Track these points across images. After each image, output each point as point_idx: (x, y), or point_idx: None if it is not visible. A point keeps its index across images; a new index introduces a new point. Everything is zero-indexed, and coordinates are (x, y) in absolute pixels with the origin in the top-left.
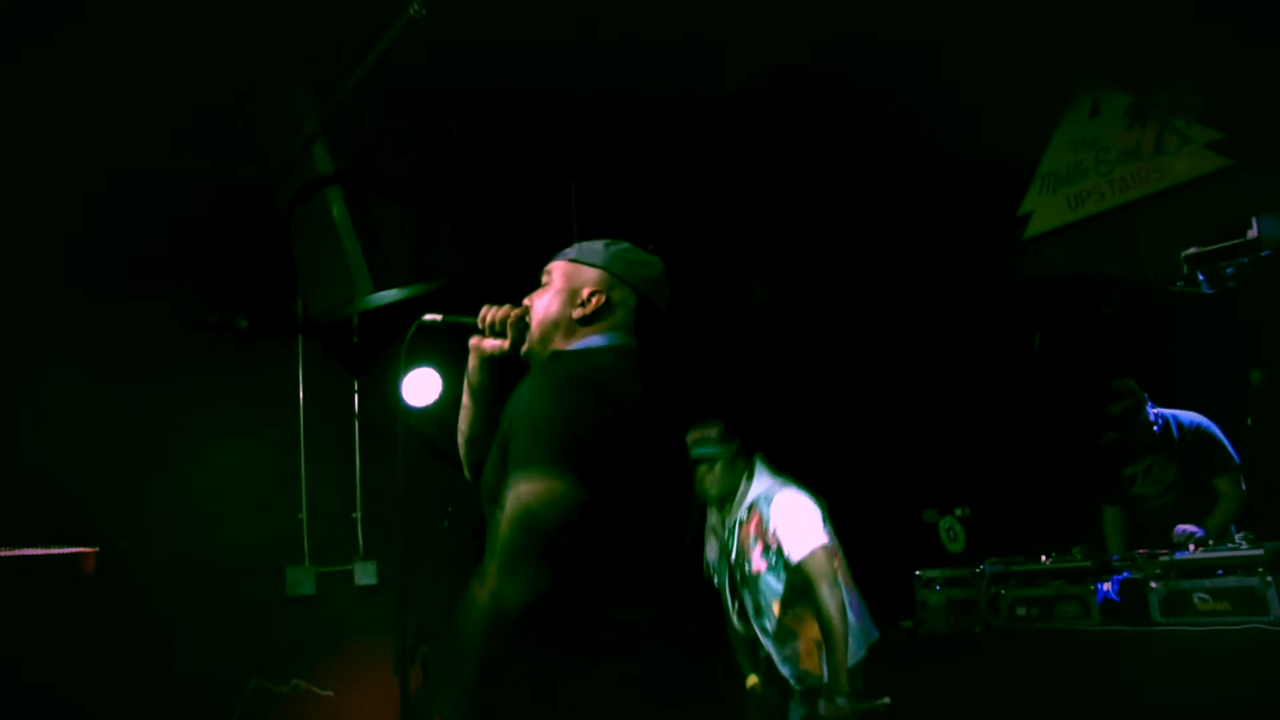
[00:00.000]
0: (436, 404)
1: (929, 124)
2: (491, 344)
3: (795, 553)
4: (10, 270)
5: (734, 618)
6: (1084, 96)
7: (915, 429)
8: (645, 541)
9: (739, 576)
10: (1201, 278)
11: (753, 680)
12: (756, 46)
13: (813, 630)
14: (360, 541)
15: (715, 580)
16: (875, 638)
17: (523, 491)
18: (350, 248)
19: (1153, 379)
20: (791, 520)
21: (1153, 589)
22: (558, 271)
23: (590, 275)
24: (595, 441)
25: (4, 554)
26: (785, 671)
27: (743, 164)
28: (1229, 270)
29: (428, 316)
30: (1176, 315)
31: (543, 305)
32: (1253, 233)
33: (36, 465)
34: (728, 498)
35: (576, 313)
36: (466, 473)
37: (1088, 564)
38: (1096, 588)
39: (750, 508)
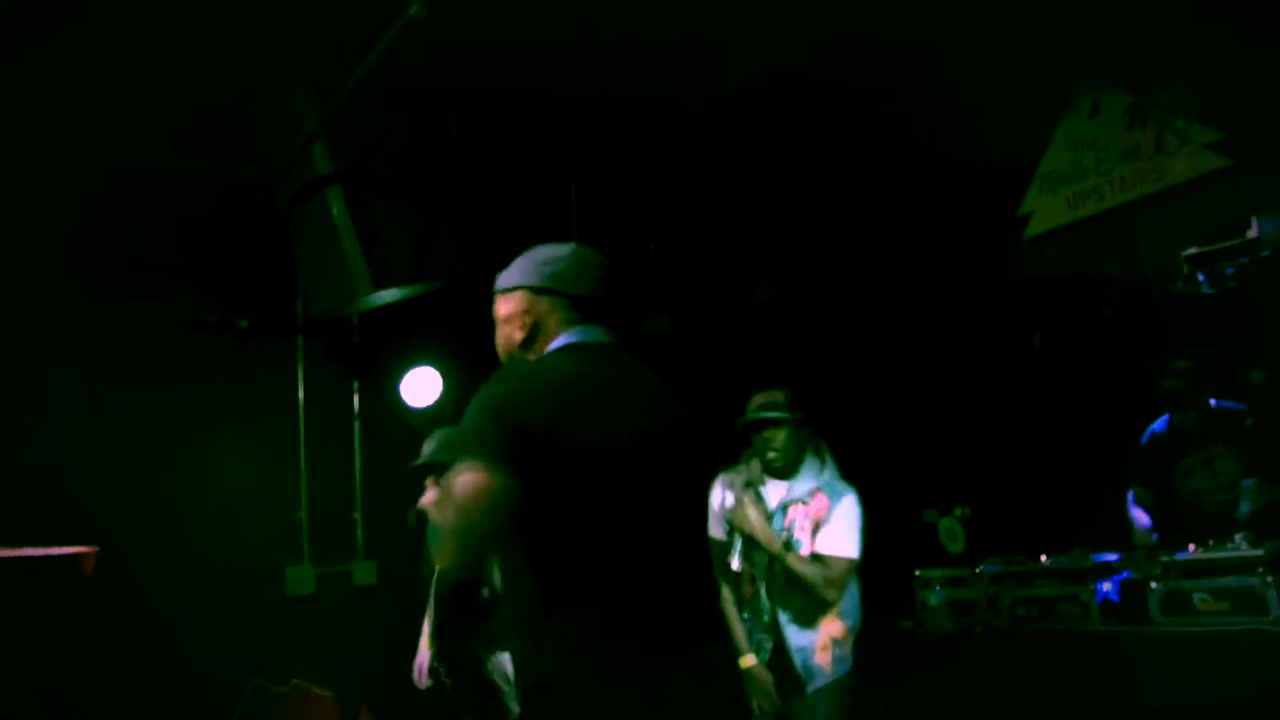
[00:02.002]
0: (437, 404)
1: (929, 124)
2: None
3: (827, 548)
4: (10, 270)
5: (748, 591)
6: (1084, 96)
7: (915, 429)
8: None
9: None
10: (1201, 278)
11: (749, 661)
12: (756, 46)
13: (833, 626)
14: (360, 541)
15: (727, 544)
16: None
17: (454, 472)
18: (350, 248)
19: (1153, 379)
20: (847, 525)
21: (1153, 589)
22: (496, 307)
23: (514, 299)
24: (504, 430)
25: (4, 554)
26: (797, 660)
27: (743, 164)
28: (1229, 270)
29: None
30: (1176, 315)
31: (499, 341)
32: (1253, 233)
33: (36, 465)
34: (789, 470)
35: (517, 336)
36: None
37: (1088, 564)
38: (1096, 588)
39: (814, 492)
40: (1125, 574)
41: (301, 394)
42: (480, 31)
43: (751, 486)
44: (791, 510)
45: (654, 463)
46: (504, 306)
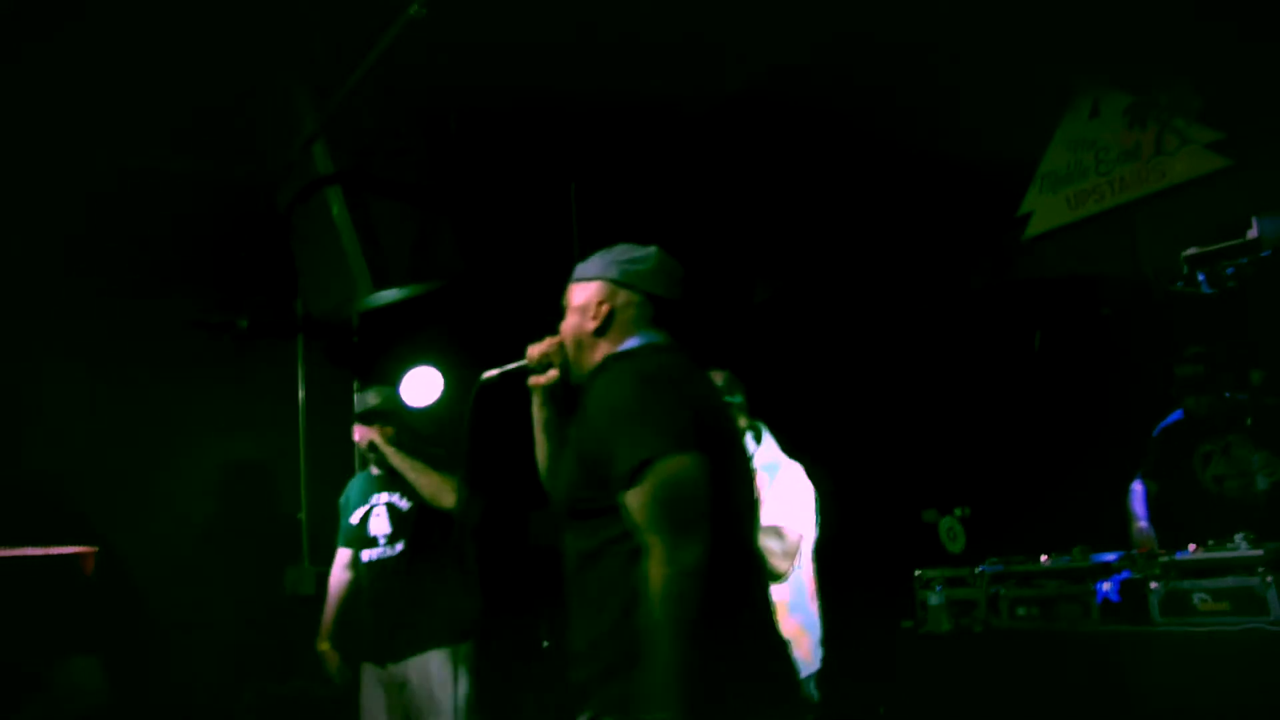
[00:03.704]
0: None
1: (929, 124)
2: (545, 377)
3: (774, 519)
4: (11, 270)
5: None
6: (1084, 96)
7: (915, 429)
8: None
9: None
10: (1201, 278)
11: None
12: (756, 46)
13: (782, 625)
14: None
15: None
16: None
17: (658, 470)
18: (350, 248)
19: (1153, 379)
20: (791, 496)
21: (1153, 589)
22: (570, 294)
23: (592, 288)
24: (685, 419)
25: (4, 554)
26: None
27: (743, 164)
28: (1229, 270)
29: (486, 374)
30: (1176, 315)
31: (567, 329)
32: (1253, 233)
33: (36, 465)
34: None
35: (589, 325)
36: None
37: (1087, 564)
38: (1096, 588)
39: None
40: (1125, 574)
41: (301, 394)
42: (480, 31)
43: None
44: None
45: (744, 465)
46: (579, 295)
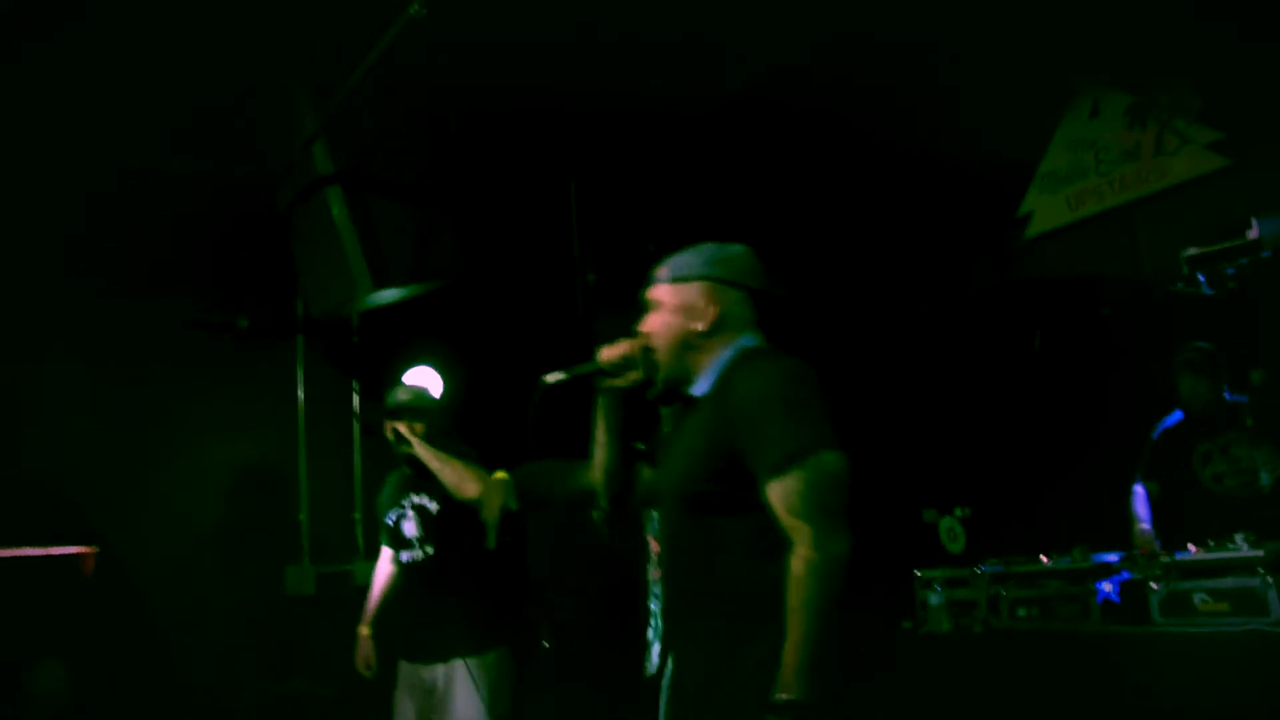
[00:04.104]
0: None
1: (929, 124)
2: (628, 379)
3: None
4: (11, 270)
5: (655, 574)
6: (1084, 96)
7: (915, 429)
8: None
9: None
10: (1201, 278)
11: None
12: (756, 46)
13: None
14: (360, 541)
15: (652, 533)
16: None
17: (814, 462)
18: (350, 248)
19: (1153, 379)
20: None
21: (1153, 589)
22: (661, 294)
23: (696, 289)
24: (828, 419)
25: (4, 554)
26: None
27: (743, 164)
28: (1229, 270)
29: (550, 377)
30: (1176, 315)
31: (661, 330)
32: (1253, 233)
33: (36, 465)
34: None
35: (698, 326)
36: (603, 502)
37: (1088, 564)
38: (1096, 588)
39: None
40: (1125, 574)
41: (301, 394)
42: (480, 31)
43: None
44: None
45: None
46: (679, 295)
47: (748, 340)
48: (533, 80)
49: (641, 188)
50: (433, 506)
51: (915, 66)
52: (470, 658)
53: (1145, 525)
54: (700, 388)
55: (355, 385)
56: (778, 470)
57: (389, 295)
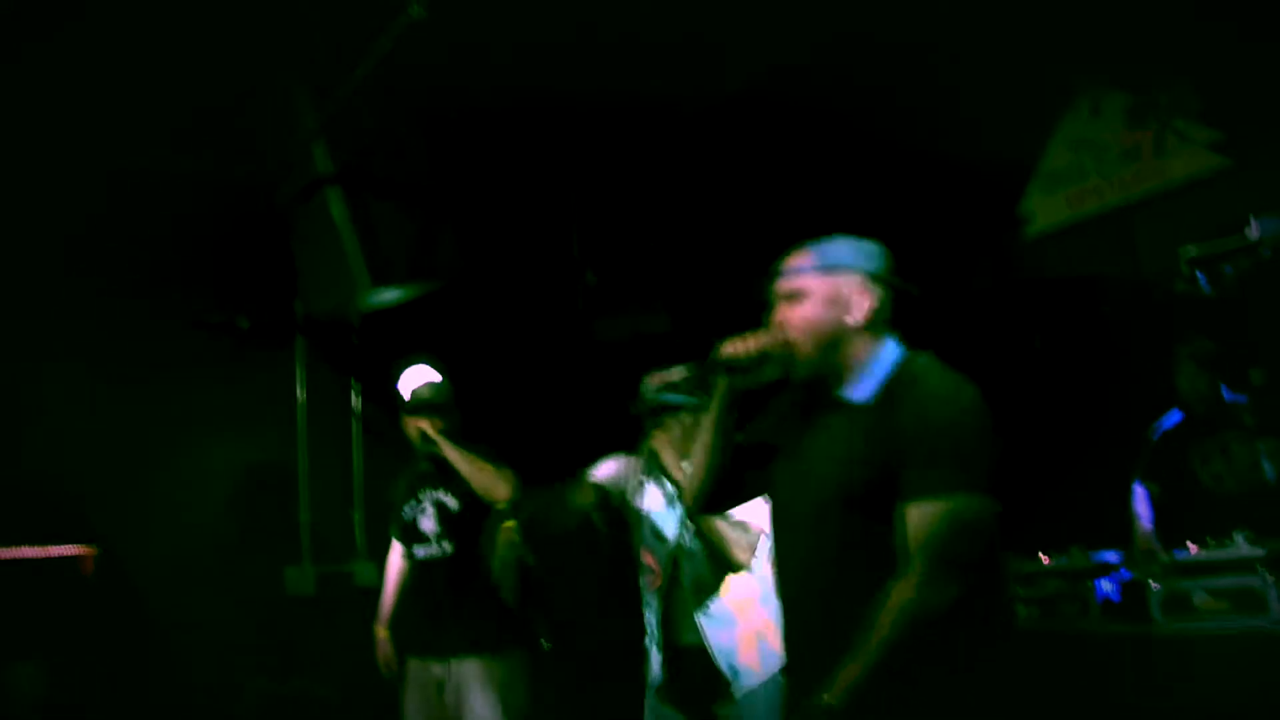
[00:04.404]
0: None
1: (929, 124)
2: (759, 375)
3: (740, 515)
4: (11, 270)
5: (653, 582)
6: (1084, 96)
7: None
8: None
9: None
10: (1201, 278)
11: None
12: (756, 46)
13: (756, 617)
14: (360, 541)
15: (643, 545)
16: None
17: (960, 501)
18: (350, 248)
19: (1153, 379)
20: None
21: (1153, 589)
22: (806, 284)
23: (848, 280)
24: (991, 460)
25: (4, 554)
26: (722, 663)
27: (743, 163)
28: (1229, 270)
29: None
30: (1176, 315)
31: (808, 321)
32: (1253, 233)
33: (36, 465)
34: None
35: (851, 319)
36: (690, 502)
37: (1088, 564)
38: (1096, 587)
39: None
40: (1125, 574)
41: (301, 394)
42: (480, 31)
43: (661, 489)
44: None
45: None
46: (830, 286)
47: (894, 343)
48: (533, 80)
49: (642, 188)
50: (453, 504)
51: (915, 66)
52: (486, 656)
53: (1146, 525)
54: (859, 391)
55: (355, 385)
56: (917, 493)
57: (389, 295)
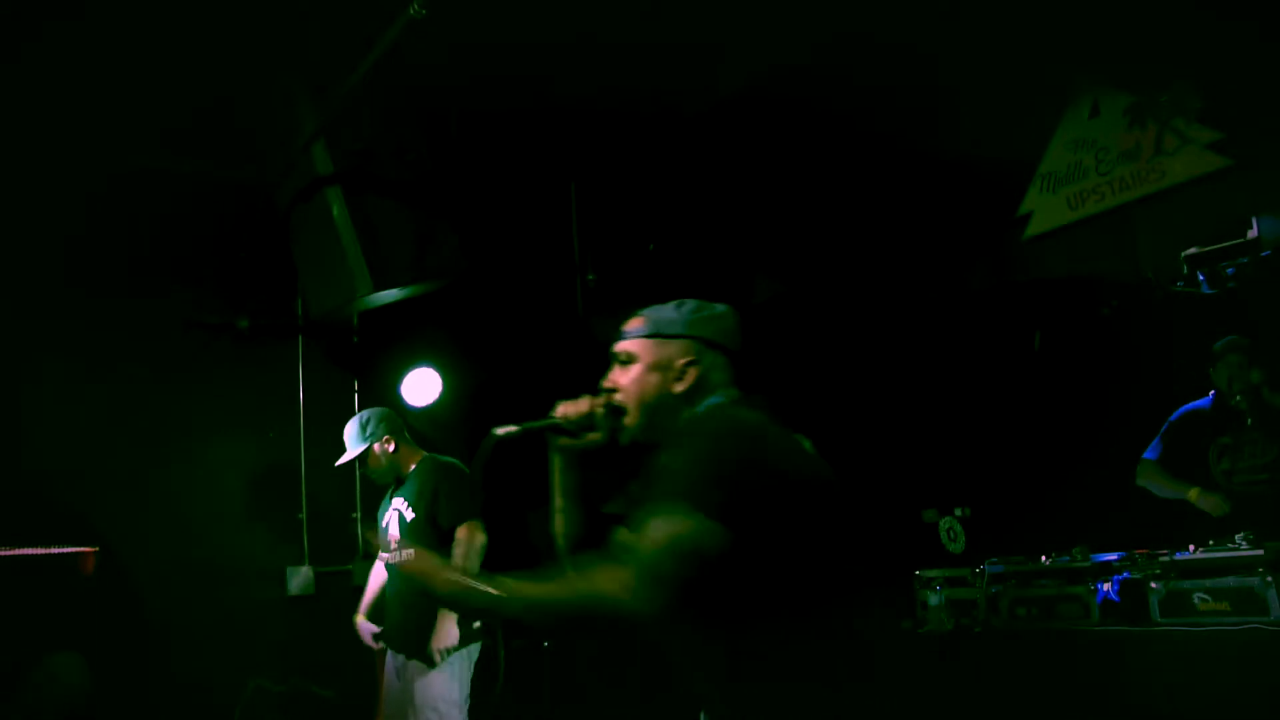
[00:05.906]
0: (435, 404)
1: (929, 124)
2: (586, 439)
3: None
4: (10, 270)
5: None
6: (1084, 96)
7: (915, 429)
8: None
9: None
10: (1201, 278)
11: None
12: (756, 46)
13: None
14: (360, 541)
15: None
16: None
17: (671, 523)
18: (350, 248)
19: (1153, 379)
20: None
21: (1153, 589)
22: (637, 349)
23: (676, 347)
24: (744, 485)
25: (4, 554)
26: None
27: (743, 164)
28: (1229, 270)
29: (500, 430)
30: (1176, 315)
31: (634, 387)
32: (1253, 233)
33: (36, 465)
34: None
35: (677, 387)
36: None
37: (1088, 564)
38: (1096, 588)
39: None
40: (1125, 574)
41: (301, 394)
42: (480, 31)
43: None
44: None
45: (842, 508)
46: (657, 352)
47: (715, 400)
48: (533, 80)
49: (641, 188)
50: (410, 515)
51: (915, 66)
52: (444, 648)
53: (1177, 484)
54: None
55: (355, 385)
56: (648, 515)
57: (389, 295)
